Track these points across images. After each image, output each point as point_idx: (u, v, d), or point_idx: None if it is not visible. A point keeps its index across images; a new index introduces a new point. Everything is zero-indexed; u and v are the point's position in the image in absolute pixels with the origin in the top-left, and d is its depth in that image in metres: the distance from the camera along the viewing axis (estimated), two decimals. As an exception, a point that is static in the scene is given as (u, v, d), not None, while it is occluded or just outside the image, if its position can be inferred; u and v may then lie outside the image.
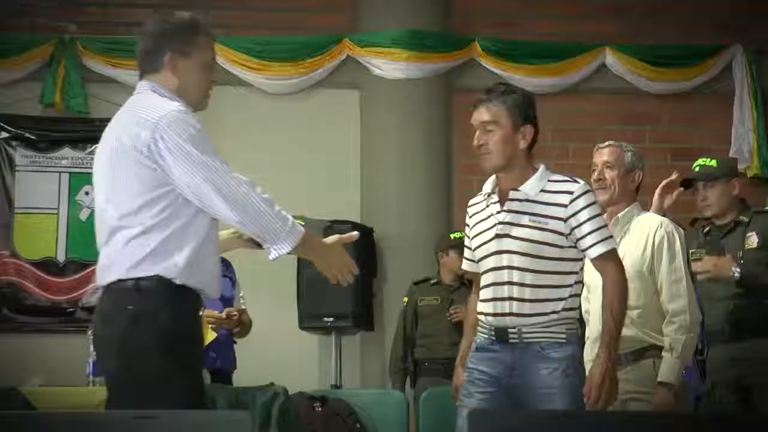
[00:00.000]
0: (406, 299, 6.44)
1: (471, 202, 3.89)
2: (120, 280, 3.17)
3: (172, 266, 3.16)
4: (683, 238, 4.51)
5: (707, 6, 7.69)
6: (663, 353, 4.32)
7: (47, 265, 7.25)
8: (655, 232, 4.43)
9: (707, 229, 5.06)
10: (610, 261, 3.70)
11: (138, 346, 3.11)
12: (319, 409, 5.55)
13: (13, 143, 7.31)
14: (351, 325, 6.81)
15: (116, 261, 3.20)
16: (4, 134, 7.30)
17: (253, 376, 4.84)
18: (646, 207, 4.72)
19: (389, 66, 7.20)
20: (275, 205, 3.20)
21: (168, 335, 3.12)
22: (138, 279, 3.15)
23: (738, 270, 4.67)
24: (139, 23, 7.38)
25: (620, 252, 4.48)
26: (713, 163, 5.07)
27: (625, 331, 4.39)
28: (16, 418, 1.47)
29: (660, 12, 7.68)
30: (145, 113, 3.21)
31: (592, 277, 4.59)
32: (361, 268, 3.58)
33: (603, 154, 4.61)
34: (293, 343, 7.04)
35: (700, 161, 5.17)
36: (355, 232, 3.59)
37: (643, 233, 4.45)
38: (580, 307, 3.76)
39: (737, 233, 4.94)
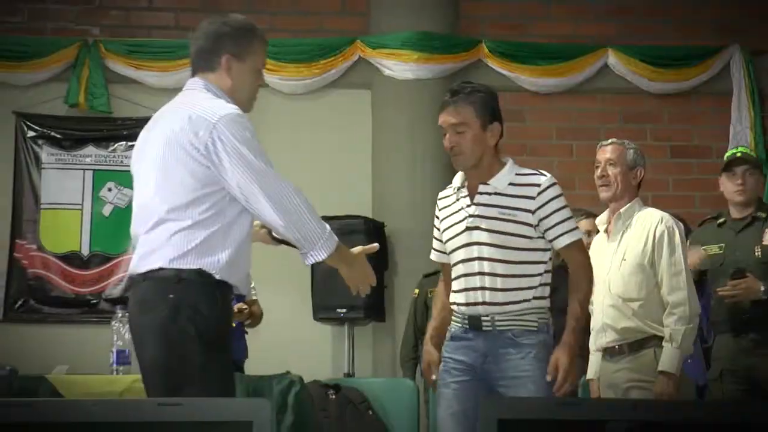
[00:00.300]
0: (416, 291, 6.43)
1: (440, 195, 3.86)
2: (161, 269, 3.15)
3: (215, 262, 3.16)
4: (683, 233, 4.49)
5: (706, 8, 7.67)
6: (663, 343, 4.30)
7: (72, 258, 7.26)
8: (656, 226, 4.42)
9: (723, 220, 5.05)
10: (575, 250, 3.67)
11: (178, 335, 3.11)
12: (333, 396, 5.55)
13: (40, 142, 7.32)
14: (363, 316, 6.81)
15: (158, 250, 3.18)
16: (31, 133, 7.31)
17: (270, 365, 4.84)
18: (647, 203, 4.70)
19: (399, 67, 7.19)
20: (316, 212, 3.21)
21: (206, 326, 3.13)
22: (179, 270, 3.14)
23: (764, 288, 4.70)
24: (159, 27, 7.47)
25: (622, 246, 4.47)
26: (753, 153, 5.11)
27: (627, 323, 4.39)
28: (45, 404, 1.47)
29: (660, 14, 7.67)
30: (203, 112, 3.19)
31: (596, 270, 4.58)
32: (372, 262, 3.59)
33: (606, 152, 4.59)
34: (308, 334, 7.04)
35: (741, 148, 5.17)
36: (376, 244, 3.61)
37: (645, 228, 4.44)
38: (551, 296, 3.73)
39: (755, 228, 4.92)
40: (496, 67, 7.42)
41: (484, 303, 3.61)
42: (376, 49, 7.32)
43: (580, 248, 3.71)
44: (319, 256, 3.21)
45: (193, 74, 3.37)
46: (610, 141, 4.64)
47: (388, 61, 7.26)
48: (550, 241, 3.64)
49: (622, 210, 4.51)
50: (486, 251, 3.61)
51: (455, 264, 3.70)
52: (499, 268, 3.60)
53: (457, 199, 3.74)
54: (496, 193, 3.66)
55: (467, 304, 3.64)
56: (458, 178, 3.81)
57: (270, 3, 7.54)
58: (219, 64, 3.30)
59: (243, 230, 3.23)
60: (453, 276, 3.71)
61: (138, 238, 3.27)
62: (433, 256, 3.90)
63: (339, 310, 6.71)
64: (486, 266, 3.61)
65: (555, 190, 3.64)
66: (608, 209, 4.63)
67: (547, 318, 3.67)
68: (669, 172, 7.51)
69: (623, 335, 4.39)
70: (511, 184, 3.66)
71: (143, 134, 3.40)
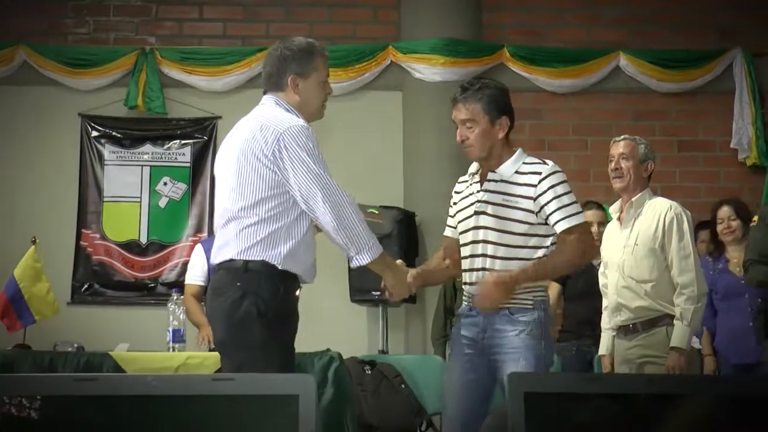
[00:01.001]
0: (445, 275, 6.40)
1: (460, 179, 3.82)
2: (232, 260, 3.27)
3: (277, 254, 3.25)
4: (690, 220, 4.45)
5: (710, 14, 7.59)
6: (674, 321, 4.27)
7: (131, 246, 7.29)
8: (666, 213, 4.38)
9: None
10: (575, 232, 3.52)
11: (243, 317, 3.21)
12: (369, 372, 5.55)
13: (102, 141, 7.36)
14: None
15: (230, 243, 3.30)
16: (95, 133, 7.35)
17: (311, 343, 4.83)
18: (656, 193, 4.67)
19: (428, 70, 7.15)
20: (365, 222, 3.29)
21: (267, 309, 3.21)
22: (247, 261, 3.25)
23: None
24: (209, 36, 7.48)
25: (634, 231, 4.43)
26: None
27: (640, 302, 4.36)
28: (109, 379, 1.46)
29: (667, 20, 7.60)
30: (272, 123, 3.29)
31: (610, 254, 4.55)
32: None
33: (619, 147, 4.57)
34: (345, 315, 7.04)
35: None
36: (415, 270, 3.66)
37: (655, 215, 4.41)
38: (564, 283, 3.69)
39: None
40: (516, 70, 7.37)
41: None
42: (406, 54, 7.29)
43: (581, 232, 3.55)
44: (363, 260, 3.29)
45: (265, 93, 3.47)
46: (622, 137, 4.62)
47: (417, 65, 7.23)
48: (552, 226, 3.54)
49: (633, 199, 4.48)
50: (490, 235, 3.57)
51: (464, 245, 3.66)
52: (500, 251, 3.55)
53: (470, 185, 3.71)
54: (502, 181, 3.61)
55: (471, 283, 3.61)
56: (474, 165, 3.77)
57: (308, 13, 7.53)
58: (286, 83, 3.40)
59: (303, 227, 3.31)
60: (462, 255, 3.68)
61: (217, 233, 3.41)
62: (447, 232, 3.86)
63: (374, 293, 6.67)
64: (489, 249, 3.57)
65: (556, 178, 3.55)
66: (620, 199, 4.60)
67: (543, 296, 3.61)
68: (676, 165, 7.44)
69: (637, 314, 4.36)
70: (517, 172, 3.60)
71: (224, 143, 3.50)
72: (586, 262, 3.69)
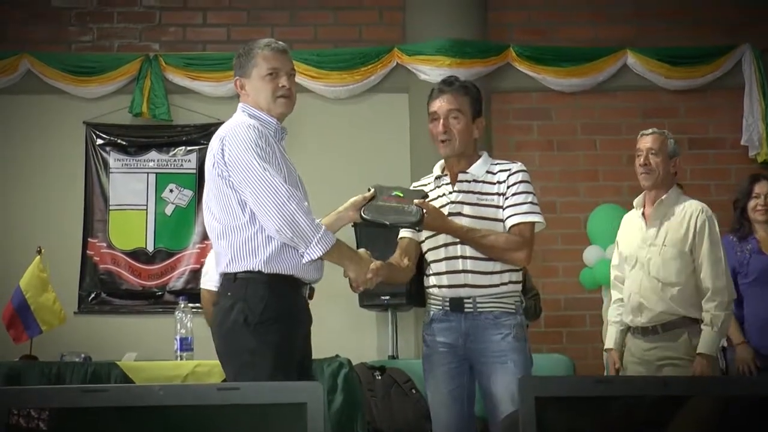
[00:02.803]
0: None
1: (416, 184, 3.79)
2: (224, 274, 3.33)
3: (259, 261, 3.24)
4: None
5: (718, 10, 7.57)
6: (702, 326, 4.19)
7: (138, 254, 7.29)
8: (697, 216, 4.30)
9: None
10: (523, 229, 3.54)
11: (232, 326, 3.24)
12: (379, 377, 5.54)
13: (107, 148, 7.36)
14: (405, 302, 6.76)
15: (221, 257, 3.34)
16: (100, 141, 7.36)
17: (320, 349, 4.83)
18: (683, 190, 4.59)
19: (434, 72, 7.13)
20: (310, 214, 3.23)
21: (255, 315, 3.21)
22: (235, 272, 3.27)
23: None
24: (213, 41, 7.49)
25: (662, 232, 4.36)
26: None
27: (664, 305, 4.29)
28: (116, 390, 1.46)
29: (675, 17, 7.57)
30: (221, 130, 3.36)
31: (630, 249, 4.49)
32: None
33: (647, 141, 4.45)
34: (354, 320, 7.03)
35: None
36: (378, 262, 3.49)
37: (685, 216, 4.32)
38: (522, 282, 3.67)
39: None
40: (523, 70, 7.36)
41: (466, 285, 3.56)
42: (412, 56, 7.28)
43: (529, 231, 3.56)
44: (315, 252, 3.22)
45: None
46: (651, 131, 4.50)
47: (423, 67, 7.22)
48: (504, 220, 3.55)
49: (663, 197, 4.39)
50: None
51: (435, 248, 3.62)
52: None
53: (437, 187, 3.69)
54: (474, 180, 3.62)
55: (449, 286, 3.58)
56: (438, 168, 3.76)
57: (313, 17, 7.53)
58: (238, 88, 3.47)
59: None
60: (432, 259, 3.64)
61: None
62: (404, 233, 3.75)
63: (383, 298, 6.68)
64: (468, 250, 3.55)
65: (522, 176, 3.59)
66: (645, 193, 4.50)
67: (521, 300, 3.62)
68: (687, 162, 7.39)
69: (659, 316, 4.31)
70: (487, 171, 3.62)
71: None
72: (510, 263, 3.58)
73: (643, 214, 4.48)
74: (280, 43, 3.50)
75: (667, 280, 4.29)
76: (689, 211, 4.35)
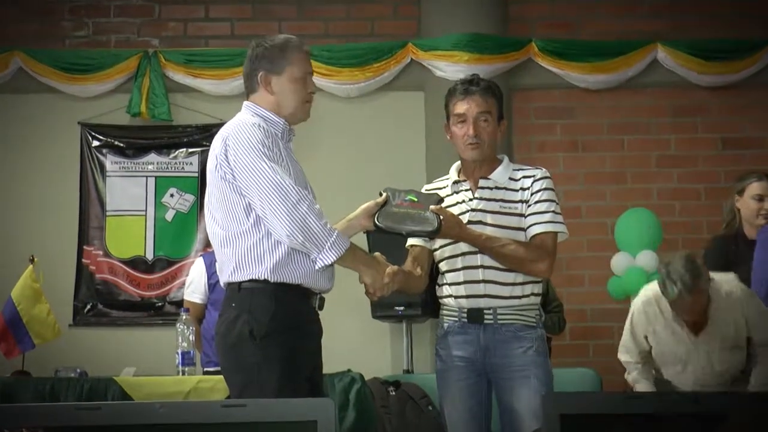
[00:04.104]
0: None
1: (428, 187, 3.78)
2: (228, 284, 3.31)
3: (265, 269, 3.23)
4: None
5: (753, 1, 7.54)
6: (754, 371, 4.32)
7: (137, 263, 7.31)
8: (742, 308, 4.37)
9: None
10: (547, 241, 3.55)
11: (236, 339, 3.22)
12: (393, 392, 5.53)
13: (104, 151, 7.39)
14: (420, 313, 6.76)
15: (224, 265, 3.32)
16: (96, 143, 7.38)
17: (331, 363, 4.83)
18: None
19: (451, 68, 7.13)
20: (323, 218, 3.20)
21: (261, 327, 3.20)
22: (240, 282, 3.25)
23: None
24: (215, 36, 7.52)
25: (708, 337, 4.36)
26: None
27: (722, 386, 4.40)
28: (113, 408, 1.46)
29: (708, 8, 7.55)
30: (224, 129, 3.32)
31: (668, 348, 4.61)
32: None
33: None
34: (367, 332, 7.03)
35: None
36: (395, 267, 3.47)
37: (729, 312, 4.36)
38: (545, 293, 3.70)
39: None
40: (546, 66, 7.35)
41: (486, 296, 3.56)
42: (427, 51, 7.29)
43: (551, 241, 3.57)
44: (329, 258, 3.21)
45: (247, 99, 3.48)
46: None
47: (439, 63, 7.23)
48: (525, 229, 3.56)
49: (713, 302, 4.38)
50: None
51: (451, 257, 3.62)
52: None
53: (456, 192, 3.68)
54: (497, 187, 3.62)
55: (467, 297, 3.58)
56: (455, 172, 3.74)
57: (323, 10, 7.55)
58: (258, 83, 3.38)
59: None
60: (447, 268, 3.64)
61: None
62: (414, 241, 3.72)
63: (397, 308, 6.68)
64: (487, 260, 3.55)
65: (546, 183, 3.60)
66: None
67: (540, 313, 3.64)
68: (720, 164, 7.40)
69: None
70: (510, 178, 3.63)
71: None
72: (531, 274, 3.60)
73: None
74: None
75: (732, 372, 4.43)
76: (732, 303, 4.37)
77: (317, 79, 7.25)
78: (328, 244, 3.19)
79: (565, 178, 7.07)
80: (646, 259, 6.37)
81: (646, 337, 4.53)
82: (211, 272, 5.27)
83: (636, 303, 4.63)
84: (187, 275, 5.84)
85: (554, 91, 7.51)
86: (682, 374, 4.47)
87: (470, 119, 3.62)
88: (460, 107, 3.64)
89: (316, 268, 3.25)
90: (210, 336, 5.14)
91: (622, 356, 4.63)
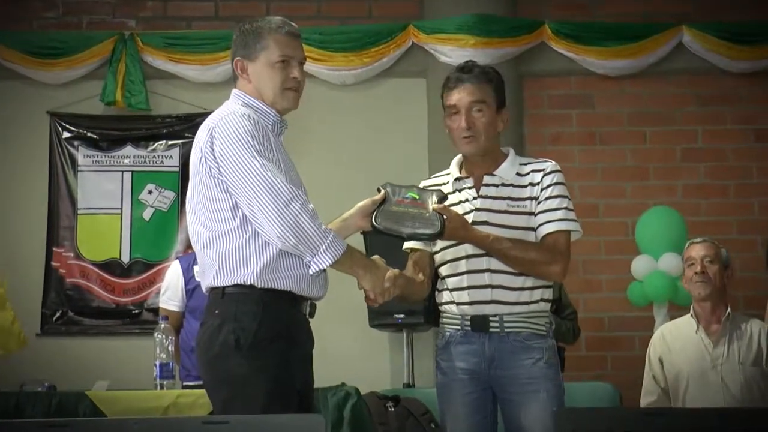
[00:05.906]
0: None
1: (426, 182, 3.77)
2: (211, 289, 3.32)
3: (251, 273, 3.23)
4: None
5: (789, -21, 7.56)
6: None
7: (111, 266, 7.32)
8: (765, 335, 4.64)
9: None
10: (560, 241, 3.57)
11: (219, 350, 3.22)
12: (392, 408, 5.54)
13: (75, 143, 7.39)
14: (423, 321, 6.76)
15: (206, 268, 3.33)
16: (66, 134, 7.39)
17: (324, 376, 4.84)
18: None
19: (456, 53, 7.14)
20: (318, 218, 3.22)
21: (246, 337, 3.21)
22: (224, 286, 3.26)
23: None
24: (198, 18, 7.52)
25: (733, 352, 4.60)
26: None
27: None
28: (83, 425, 1.47)
29: (739, -13, 7.57)
30: (209, 120, 3.34)
31: (688, 365, 4.77)
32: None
33: (700, 249, 4.78)
34: (363, 342, 7.04)
35: None
36: (396, 271, 3.49)
37: (753, 336, 4.66)
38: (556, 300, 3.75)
39: None
40: (560, 50, 7.36)
41: (493, 302, 3.57)
42: (430, 34, 7.29)
43: (564, 241, 3.59)
44: (325, 262, 3.22)
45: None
46: (701, 239, 4.87)
47: (443, 47, 7.23)
48: (536, 228, 3.57)
49: (729, 312, 4.69)
50: None
51: (454, 260, 3.63)
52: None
53: (458, 191, 3.68)
54: (503, 185, 3.62)
55: (471, 303, 3.58)
56: (456, 167, 3.74)
57: (315, -11, 7.55)
58: (237, 70, 3.45)
59: None
60: (448, 273, 3.64)
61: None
62: (414, 244, 3.72)
63: (396, 316, 6.69)
64: (494, 263, 3.56)
65: (557, 177, 3.61)
66: (699, 304, 4.76)
67: (550, 321, 3.66)
68: (752, 158, 7.40)
69: None
70: (517, 174, 3.63)
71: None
72: (543, 278, 3.59)
73: (703, 327, 4.74)
74: (293, 25, 3.49)
75: (750, 399, 4.51)
76: (755, 330, 4.67)
77: (309, 65, 7.28)
78: (323, 246, 3.20)
79: (581, 174, 7.08)
80: (670, 262, 6.37)
81: (661, 362, 4.74)
82: (189, 276, 5.28)
83: (653, 338, 4.93)
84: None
85: (569, 78, 7.52)
86: (697, 394, 4.59)
87: (462, 110, 3.61)
88: (451, 98, 3.65)
89: (310, 272, 3.25)
90: (189, 347, 5.15)
91: (644, 400, 4.76)
